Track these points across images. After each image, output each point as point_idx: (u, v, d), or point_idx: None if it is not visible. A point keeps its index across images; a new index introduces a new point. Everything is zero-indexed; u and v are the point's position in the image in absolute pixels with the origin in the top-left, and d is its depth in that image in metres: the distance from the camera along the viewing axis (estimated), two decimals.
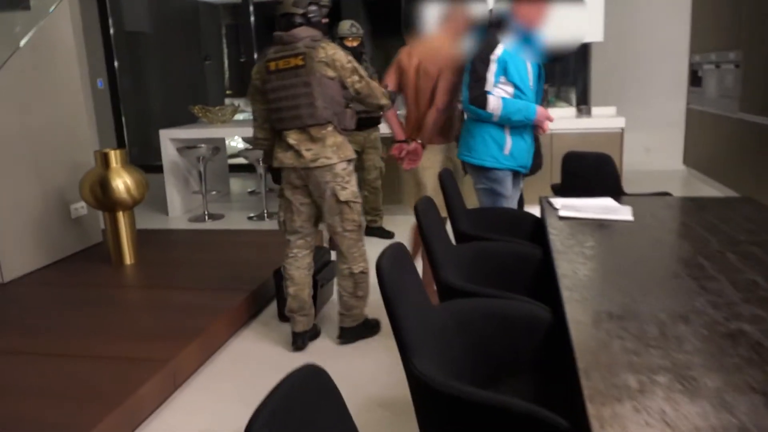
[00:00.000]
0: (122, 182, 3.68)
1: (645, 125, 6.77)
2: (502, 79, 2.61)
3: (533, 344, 1.64)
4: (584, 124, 5.06)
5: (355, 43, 4.37)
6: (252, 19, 7.63)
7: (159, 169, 5.84)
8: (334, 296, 3.48)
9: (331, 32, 3.15)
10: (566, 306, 1.54)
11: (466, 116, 2.87)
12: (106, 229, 3.88)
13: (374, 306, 2.99)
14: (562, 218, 2.41)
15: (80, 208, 4.21)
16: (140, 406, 2.29)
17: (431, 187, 3.04)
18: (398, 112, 3.27)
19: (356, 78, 2.70)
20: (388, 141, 3.08)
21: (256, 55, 7.60)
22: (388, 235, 4.80)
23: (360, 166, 4.62)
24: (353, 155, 2.81)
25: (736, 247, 1.96)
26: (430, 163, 3.08)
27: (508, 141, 2.70)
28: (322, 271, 3.31)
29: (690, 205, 2.70)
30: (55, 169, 4.03)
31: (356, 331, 2.98)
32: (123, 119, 7.92)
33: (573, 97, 7.33)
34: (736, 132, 5.42)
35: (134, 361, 2.50)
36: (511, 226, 2.71)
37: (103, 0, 7.36)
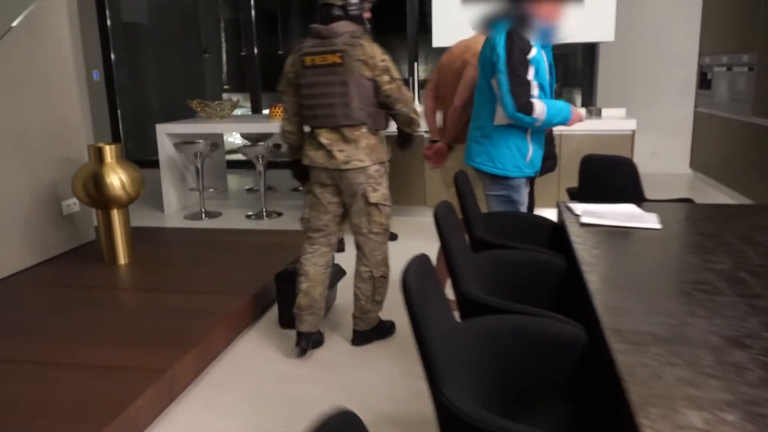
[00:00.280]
0: (117, 178, 3.52)
1: (651, 127, 6.64)
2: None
3: (567, 367, 1.50)
4: (594, 125, 4.92)
5: None
6: (253, 12, 7.46)
7: (155, 164, 5.67)
8: (338, 301, 3.34)
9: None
10: (604, 326, 1.40)
11: (478, 122, 2.70)
12: (99, 227, 3.72)
13: (387, 307, 2.88)
14: (583, 225, 2.27)
15: (72, 204, 4.05)
16: (134, 422, 2.13)
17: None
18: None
19: (387, 78, 2.58)
20: (391, 140, 2.94)
21: (256, 50, 7.44)
22: (391, 237, 4.65)
23: None
24: (387, 157, 2.72)
25: None
26: (455, 163, 2.99)
27: (530, 148, 2.59)
28: None
29: (717, 213, 2.56)
30: (47, 163, 3.87)
31: (370, 334, 2.87)
32: (118, 112, 7.74)
33: (578, 98, 7.20)
34: (748, 136, 5.29)
35: (127, 370, 2.35)
36: (527, 231, 2.57)
37: None
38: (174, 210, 5.65)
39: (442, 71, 3.12)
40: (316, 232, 2.79)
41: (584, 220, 2.31)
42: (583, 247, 1.99)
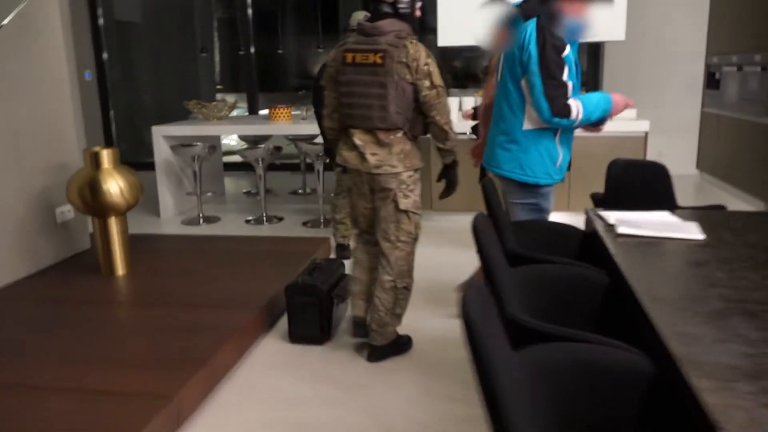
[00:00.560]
0: (115, 185, 3.33)
1: (657, 128, 6.51)
2: None
3: (633, 402, 1.35)
4: (604, 127, 4.77)
5: None
6: (249, 11, 7.27)
7: (149, 166, 5.49)
8: (348, 312, 3.18)
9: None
10: (678, 358, 1.25)
11: (502, 126, 2.54)
12: (95, 235, 3.53)
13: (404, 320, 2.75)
14: (620, 236, 2.13)
15: (67, 211, 3.86)
16: None
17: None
18: None
19: (427, 83, 2.45)
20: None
21: (253, 49, 7.25)
22: None
23: None
24: (421, 164, 2.61)
25: None
26: None
27: (560, 153, 2.45)
28: (337, 286, 3.01)
29: (758, 221, 2.42)
30: (39, 167, 3.67)
31: (387, 349, 2.72)
32: (111, 113, 7.53)
33: None
34: (760, 137, 5.18)
35: (131, 397, 2.17)
36: (556, 242, 2.43)
37: None
38: (171, 215, 5.46)
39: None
40: (363, 233, 2.78)
41: (621, 230, 2.16)
42: (626, 262, 1.84)
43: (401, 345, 2.77)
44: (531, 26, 2.33)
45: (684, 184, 6.29)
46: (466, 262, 4.01)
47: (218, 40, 9.63)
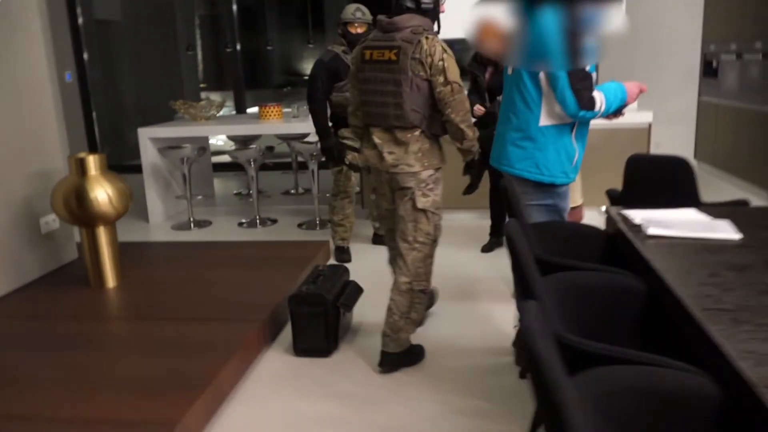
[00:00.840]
0: (102, 192, 3.13)
1: (654, 118, 6.42)
2: None
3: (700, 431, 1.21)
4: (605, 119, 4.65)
5: (360, 30, 3.88)
6: (234, 7, 7.06)
7: (135, 169, 5.28)
8: (362, 324, 3.02)
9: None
10: (754, 383, 1.11)
11: (515, 122, 2.39)
12: (83, 246, 3.33)
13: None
14: (650, 237, 1.99)
15: (51, 221, 3.65)
16: None
17: None
18: None
19: (441, 80, 2.34)
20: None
21: (239, 46, 7.04)
22: None
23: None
24: (441, 163, 2.51)
25: None
26: None
27: (577, 150, 2.31)
28: (343, 294, 2.85)
29: None
30: (21, 175, 3.46)
31: (399, 358, 2.57)
32: (94, 115, 7.28)
33: None
34: (761, 126, 5.09)
35: (129, 426, 2.00)
36: (578, 244, 2.29)
37: None
38: (160, 220, 5.26)
39: None
40: (388, 229, 2.73)
41: (651, 231, 2.02)
42: (666, 268, 1.70)
43: (414, 355, 2.63)
44: (545, 14, 2.19)
45: None
46: (466, 262, 3.88)
47: (200, 37, 9.39)
